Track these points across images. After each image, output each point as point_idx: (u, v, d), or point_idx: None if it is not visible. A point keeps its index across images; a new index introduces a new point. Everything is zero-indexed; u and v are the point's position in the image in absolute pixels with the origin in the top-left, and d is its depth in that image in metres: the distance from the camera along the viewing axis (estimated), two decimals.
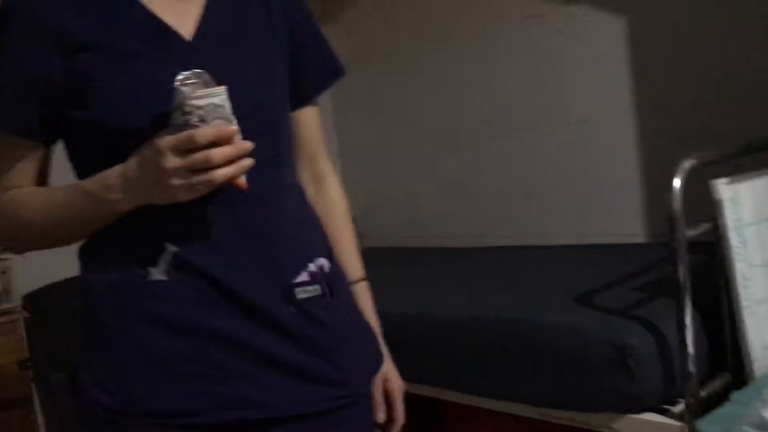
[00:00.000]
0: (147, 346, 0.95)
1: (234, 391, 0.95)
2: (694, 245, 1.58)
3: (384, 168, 3.35)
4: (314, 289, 1.01)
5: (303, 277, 1.00)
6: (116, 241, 0.97)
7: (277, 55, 1.05)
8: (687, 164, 1.58)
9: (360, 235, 3.14)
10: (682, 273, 1.55)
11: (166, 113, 0.88)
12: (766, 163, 1.77)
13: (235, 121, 0.87)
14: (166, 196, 0.89)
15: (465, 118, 2.84)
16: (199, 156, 0.85)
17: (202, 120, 0.85)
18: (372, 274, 1.20)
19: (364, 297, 1.17)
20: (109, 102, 0.92)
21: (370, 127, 3.43)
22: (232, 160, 0.86)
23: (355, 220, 3.38)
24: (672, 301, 1.59)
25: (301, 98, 1.12)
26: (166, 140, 0.86)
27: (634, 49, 2.25)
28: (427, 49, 2.93)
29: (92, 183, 0.93)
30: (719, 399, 1.59)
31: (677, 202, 1.55)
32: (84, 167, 0.97)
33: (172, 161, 0.86)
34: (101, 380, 0.95)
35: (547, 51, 2.48)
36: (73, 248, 1.03)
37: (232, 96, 0.88)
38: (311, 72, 1.12)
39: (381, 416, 1.14)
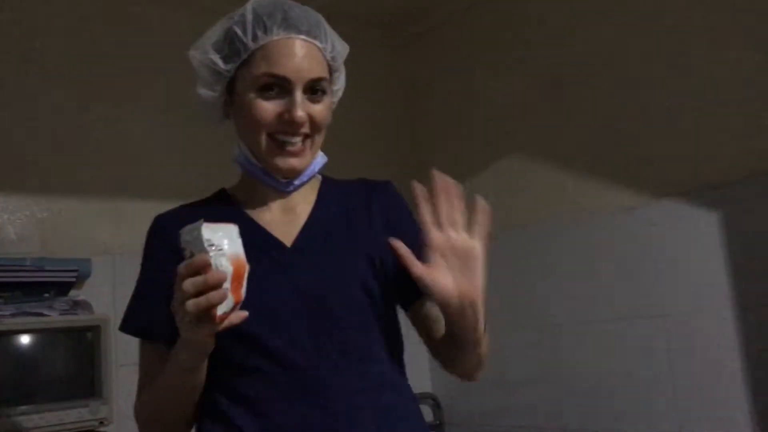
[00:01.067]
0: None
1: None
2: None
3: None
4: None
5: None
6: None
7: (371, 259, 1.11)
8: None
9: (444, 422, 3.06)
10: None
11: (265, 306, 0.99)
12: None
13: (208, 252, 0.87)
14: (182, 333, 0.93)
15: (558, 304, 2.81)
16: (179, 287, 0.87)
17: (192, 254, 0.88)
18: None
19: None
20: None
21: None
22: (205, 290, 0.86)
23: (440, 405, 3.25)
24: None
25: (415, 292, 1.14)
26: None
27: (731, 243, 2.21)
28: (515, 234, 2.98)
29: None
30: None
31: None
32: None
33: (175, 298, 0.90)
34: None
35: (641, 242, 2.47)
36: None
37: (321, 294, 1.01)
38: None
39: None
